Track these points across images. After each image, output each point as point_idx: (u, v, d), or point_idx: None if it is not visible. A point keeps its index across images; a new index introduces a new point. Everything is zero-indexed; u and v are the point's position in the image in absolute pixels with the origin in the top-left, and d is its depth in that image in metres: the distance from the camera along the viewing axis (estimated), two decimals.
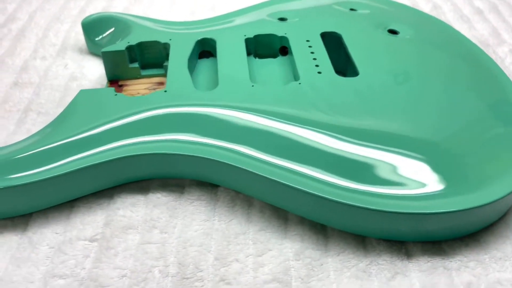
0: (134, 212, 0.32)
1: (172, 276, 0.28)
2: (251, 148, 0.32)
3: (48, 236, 0.30)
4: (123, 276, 0.28)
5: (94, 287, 0.27)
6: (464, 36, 0.44)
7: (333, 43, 0.43)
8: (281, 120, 0.33)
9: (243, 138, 0.33)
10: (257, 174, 0.30)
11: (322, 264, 0.29)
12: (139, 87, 0.42)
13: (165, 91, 0.36)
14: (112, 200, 0.33)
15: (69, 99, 0.42)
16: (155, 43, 0.43)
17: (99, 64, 0.47)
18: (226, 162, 0.31)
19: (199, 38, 0.43)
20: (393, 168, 0.30)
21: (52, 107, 0.41)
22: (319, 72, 0.38)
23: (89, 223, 0.31)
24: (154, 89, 0.42)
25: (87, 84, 0.44)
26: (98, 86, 0.44)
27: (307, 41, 0.42)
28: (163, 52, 0.43)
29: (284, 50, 0.44)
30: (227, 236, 0.30)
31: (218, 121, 0.34)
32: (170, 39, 0.43)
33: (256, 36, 0.43)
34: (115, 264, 0.29)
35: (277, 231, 0.31)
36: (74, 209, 0.32)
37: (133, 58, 0.43)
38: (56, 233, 0.31)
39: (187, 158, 0.32)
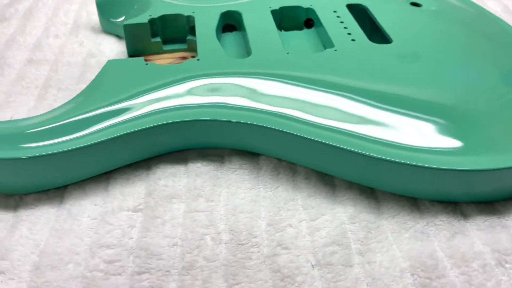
0: (175, 182, 0.30)
1: (225, 243, 0.27)
2: (292, 112, 0.31)
3: (88, 208, 0.28)
4: (174, 244, 0.26)
5: (145, 256, 0.26)
6: (485, 10, 0.44)
7: (358, 15, 0.42)
8: (320, 87, 0.32)
9: (284, 104, 0.31)
10: (304, 138, 0.29)
11: (378, 227, 0.28)
12: (161, 62, 0.41)
13: (198, 59, 0.35)
14: (150, 171, 0.31)
15: (89, 75, 0.40)
16: (178, 16, 0.41)
17: (115, 41, 0.45)
18: (271, 127, 0.30)
19: (223, 11, 0.41)
20: (436, 129, 0.30)
21: (72, 83, 0.39)
22: (353, 40, 0.37)
23: (130, 194, 0.29)
24: (177, 63, 0.40)
25: (103, 60, 0.42)
26: (114, 57, 0.42)
27: (334, 11, 0.41)
28: (186, 26, 0.42)
29: (308, 22, 0.43)
30: (276, 202, 0.29)
31: (256, 88, 0.32)
32: (193, 12, 0.41)
33: (282, 8, 0.42)
34: (164, 233, 0.27)
35: (326, 197, 0.30)
36: (111, 181, 0.30)
37: (154, 32, 0.41)
38: (96, 205, 0.29)
39: (230, 124, 0.31)
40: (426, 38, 0.37)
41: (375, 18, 0.40)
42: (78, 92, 0.38)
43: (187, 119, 0.30)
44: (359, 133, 0.29)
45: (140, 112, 0.31)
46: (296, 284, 0.25)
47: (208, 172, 0.31)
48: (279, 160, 0.32)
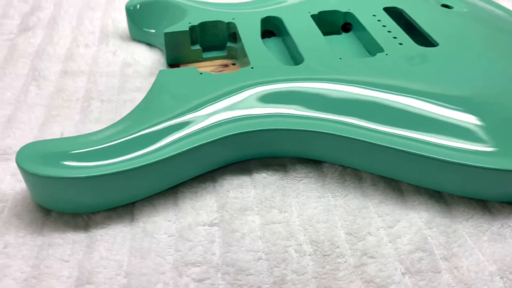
0: (244, 193, 0.30)
1: (310, 255, 0.26)
2: (356, 119, 0.31)
3: (162, 225, 0.28)
4: (259, 258, 0.26)
5: (234, 273, 0.25)
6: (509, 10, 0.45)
7: (394, 18, 0.42)
8: (377, 91, 0.32)
9: (345, 109, 0.31)
10: (371, 143, 0.29)
11: (455, 231, 0.28)
12: (203, 70, 0.40)
13: (252, 68, 0.34)
14: (217, 183, 0.30)
15: (129, 85, 0.39)
16: (218, 23, 0.40)
17: (147, 50, 0.44)
18: (338, 134, 0.30)
19: (263, 17, 0.41)
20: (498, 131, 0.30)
21: (113, 94, 0.38)
22: (400, 44, 0.37)
23: (202, 207, 0.29)
24: (220, 71, 0.40)
25: (143, 70, 0.41)
26: (155, 72, 0.41)
27: (374, 15, 0.41)
28: (226, 33, 0.41)
29: (345, 26, 0.43)
30: (349, 211, 0.29)
31: (317, 94, 0.32)
32: (233, 19, 0.40)
33: (321, 13, 0.42)
34: (246, 246, 0.26)
35: (397, 203, 0.30)
36: (179, 195, 0.30)
37: (193, 40, 0.40)
38: (169, 221, 0.28)
39: (296, 133, 0.30)
40: (468, 40, 0.38)
41: (414, 21, 0.40)
42: (121, 103, 0.37)
43: (256, 129, 0.30)
44: (424, 137, 0.30)
45: (205, 124, 0.30)
46: None
47: (274, 182, 0.31)
48: (343, 167, 0.32)
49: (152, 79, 0.40)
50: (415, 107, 0.31)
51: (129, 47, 0.44)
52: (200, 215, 0.28)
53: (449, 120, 0.30)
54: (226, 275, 0.25)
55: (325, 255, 0.26)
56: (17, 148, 0.32)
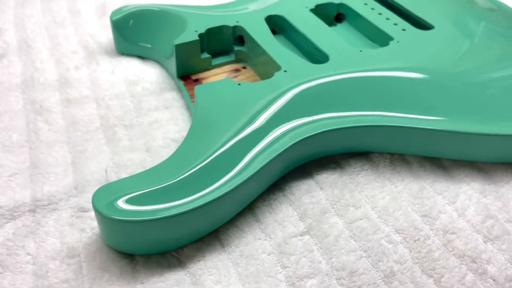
0: (315, 196, 0.30)
1: (401, 243, 0.28)
2: (400, 106, 0.33)
3: (255, 244, 0.27)
4: (361, 257, 0.27)
5: (347, 276, 0.26)
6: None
7: (383, 5, 0.44)
8: (404, 76, 0.34)
9: (387, 99, 0.33)
10: (419, 128, 0.31)
11: (503, 194, 0.31)
12: (216, 79, 0.39)
13: (285, 71, 0.34)
14: (286, 191, 0.30)
15: (145, 105, 0.37)
16: (224, 27, 0.39)
17: (143, 63, 0.41)
18: (394, 125, 0.31)
19: (265, 16, 0.41)
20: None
21: (133, 117, 0.35)
22: (403, 30, 0.39)
23: (284, 219, 0.29)
24: (235, 77, 0.39)
25: (151, 87, 0.38)
26: (165, 86, 0.39)
27: (365, 4, 0.43)
28: (231, 37, 0.40)
29: (337, 17, 0.45)
30: (413, 194, 0.31)
31: (359, 88, 0.33)
32: (238, 22, 0.40)
33: (317, 6, 0.42)
34: (345, 248, 0.27)
35: (447, 179, 0.32)
36: (255, 211, 0.29)
37: (202, 48, 0.39)
38: (259, 239, 0.28)
39: (351, 130, 0.31)
40: (458, 20, 0.41)
41: (402, 6, 0.43)
42: (147, 126, 0.35)
43: (322, 130, 0.30)
44: (458, 114, 0.32)
45: (272, 135, 0.30)
46: (485, 262, 0.27)
47: (337, 180, 0.32)
48: (390, 154, 0.34)
49: (165, 95, 0.38)
50: (440, 86, 0.34)
51: (122, 63, 0.41)
52: (287, 227, 0.28)
53: (467, 94, 0.34)
54: (342, 280, 0.26)
55: (415, 240, 0.28)
56: (61, 196, 0.29)
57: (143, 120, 0.35)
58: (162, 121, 0.35)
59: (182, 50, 0.37)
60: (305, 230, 0.28)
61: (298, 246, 0.27)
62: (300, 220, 0.29)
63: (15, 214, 0.28)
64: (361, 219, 0.29)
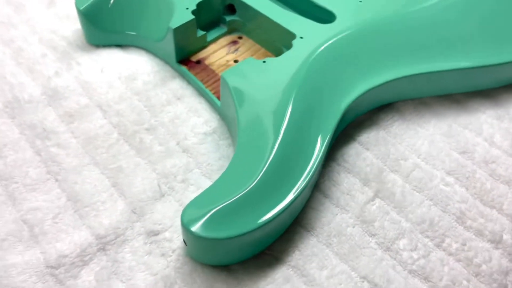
0: (366, 159, 0.31)
1: (455, 183, 0.30)
2: (423, 50, 0.34)
3: (345, 218, 0.28)
4: (430, 206, 0.29)
5: (428, 227, 0.28)
6: None
7: None
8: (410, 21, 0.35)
9: (411, 45, 0.34)
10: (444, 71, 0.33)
11: None
12: (217, 56, 0.36)
13: (301, 37, 0.33)
14: (338, 159, 0.31)
15: (155, 101, 0.34)
16: (214, 0, 0.36)
17: (126, 53, 0.37)
18: (430, 71, 0.33)
19: None
20: None
21: (151, 118, 0.32)
22: None
23: (349, 189, 0.29)
24: (236, 49, 0.37)
25: (152, 79, 0.35)
26: (162, 75, 0.35)
27: None
28: (220, 7, 0.37)
29: None
30: (445, 134, 0.33)
31: (384, 38, 0.33)
32: None
33: None
34: (415, 201, 0.29)
35: (468, 112, 0.35)
36: (315, 188, 0.29)
37: None
38: (336, 214, 0.28)
39: (393, 83, 0.32)
40: None
41: None
42: (170, 124, 0.32)
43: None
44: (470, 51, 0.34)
45: (324, 107, 0.29)
46: None
47: (377, 137, 0.32)
48: (410, 100, 0.35)
49: (170, 85, 0.35)
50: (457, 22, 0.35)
51: (104, 57, 0.37)
52: (356, 196, 0.29)
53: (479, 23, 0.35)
54: (426, 233, 0.27)
55: (466, 178, 0.30)
56: (125, 224, 0.27)
57: (162, 119, 0.33)
58: (182, 115, 0.33)
59: (180, 33, 0.34)
60: (373, 194, 0.29)
61: (374, 211, 0.28)
62: (365, 185, 0.30)
63: (86, 258, 0.25)
64: (414, 170, 0.31)
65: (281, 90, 0.29)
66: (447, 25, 0.35)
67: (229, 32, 0.38)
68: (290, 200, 0.25)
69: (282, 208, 0.24)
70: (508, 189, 0.30)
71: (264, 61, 0.31)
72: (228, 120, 0.32)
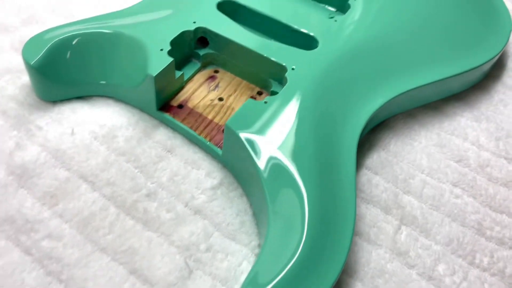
0: (379, 185, 0.31)
1: (463, 194, 0.31)
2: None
3: (381, 254, 0.27)
4: (450, 223, 0.29)
5: (457, 246, 0.28)
6: None
7: None
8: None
9: (397, 63, 0.34)
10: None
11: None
12: (199, 96, 0.33)
13: (293, 68, 0.31)
14: None
15: (145, 160, 0.30)
16: (186, 34, 0.33)
17: (92, 105, 0.32)
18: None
19: (216, 5, 0.35)
20: None
21: (146, 181, 0.29)
22: None
23: (374, 221, 0.29)
24: (216, 86, 0.34)
25: (130, 133, 0.31)
26: (142, 127, 0.31)
27: None
28: (192, 42, 0.34)
29: None
30: (437, 144, 0.34)
31: (368, 60, 0.33)
32: (195, 22, 0.33)
33: None
34: (435, 221, 0.29)
35: (448, 118, 0.36)
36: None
37: None
38: (371, 252, 0.27)
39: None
40: None
41: None
42: (169, 185, 0.29)
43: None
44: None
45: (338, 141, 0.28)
46: None
47: (381, 159, 0.32)
48: (397, 115, 0.35)
49: (156, 136, 0.31)
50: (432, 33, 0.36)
51: (68, 115, 0.31)
52: (383, 227, 0.29)
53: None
54: (458, 252, 0.28)
55: (471, 187, 0.32)
56: None
57: (159, 179, 0.29)
58: (180, 171, 0.29)
59: (160, 80, 0.30)
60: (398, 222, 0.29)
61: (405, 240, 0.28)
62: (387, 214, 0.29)
63: None
64: (424, 188, 0.31)
65: (295, 129, 0.28)
66: (426, 39, 0.36)
67: (203, 67, 0.35)
68: (346, 255, 0.23)
69: (341, 266, 0.23)
70: (508, 191, 0.32)
71: (265, 102, 0.29)
72: (234, 169, 0.30)
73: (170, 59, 0.30)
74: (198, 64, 0.35)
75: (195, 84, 0.34)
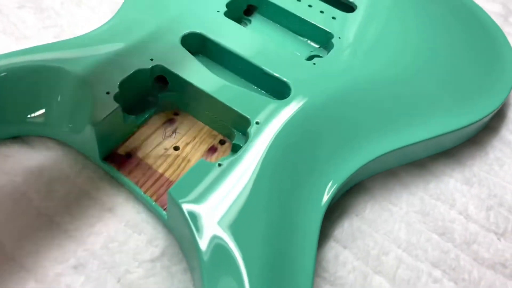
0: (347, 262, 0.27)
1: (443, 277, 0.27)
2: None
3: None
4: None
5: None
6: None
7: None
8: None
9: (379, 119, 0.30)
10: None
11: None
12: (152, 143, 0.29)
13: (257, 123, 0.27)
14: (317, 269, 0.26)
15: (79, 220, 0.26)
16: (140, 73, 0.29)
17: (22, 145, 0.28)
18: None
19: (179, 39, 0.31)
20: None
21: (77, 246, 0.25)
22: (334, 18, 0.35)
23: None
24: (174, 131, 0.30)
25: (65, 185, 0.27)
26: (78, 174, 0.28)
27: None
28: (149, 82, 0.30)
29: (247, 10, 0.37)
30: (419, 211, 0.30)
31: (347, 114, 0.29)
32: (152, 59, 0.29)
33: (228, 5, 0.34)
34: None
35: (435, 178, 0.32)
36: None
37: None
38: None
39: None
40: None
41: None
42: (95, 254, 0.25)
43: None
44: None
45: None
46: (509, 261, 0.28)
47: (352, 228, 0.28)
48: (376, 175, 0.31)
49: (98, 190, 0.27)
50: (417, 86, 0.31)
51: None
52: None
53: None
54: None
55: (453, 269, 0.27)
56: None
57: (92, 246, 0.25)
58: (118, 236, 0.25)
59: (103, 127, 0.26)
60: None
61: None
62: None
63: None
64: (398, 268, 0.27)
65: (249, 204, 0.24)
66: (417, 88, 0.31)
67: (162, 108, 0.31)
68: None
69: None
70: (495, 275, 0.28)
71: (219, 164, 0.25)
72: (179, 236, 0.26)
73: (115, 105, 0.26)
74: (156, 105, 0.31)
75: (150, 128, 0.30)
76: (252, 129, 0.26)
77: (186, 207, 0.23)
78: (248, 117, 0.27)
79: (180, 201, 0.23)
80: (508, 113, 0.37)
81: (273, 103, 0.28)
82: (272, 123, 0.27)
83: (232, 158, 0.25)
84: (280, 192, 0.24)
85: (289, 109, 0.28)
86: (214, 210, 0.23)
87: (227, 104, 0.27)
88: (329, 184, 0.26)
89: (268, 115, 0.27)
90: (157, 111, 0.31)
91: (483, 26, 0.37)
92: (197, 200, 0.23)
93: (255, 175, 0.24)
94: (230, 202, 0.23)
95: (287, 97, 0.29)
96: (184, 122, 0.30)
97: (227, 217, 0.23)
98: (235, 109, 0.27)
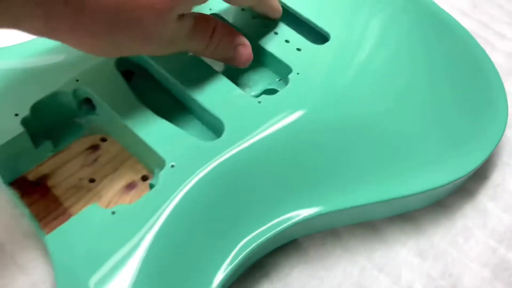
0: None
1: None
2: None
3: None
4: None
5: None
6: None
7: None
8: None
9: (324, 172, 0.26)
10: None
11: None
12: (68, 171, 0.26)
13: (172, 166, 0.24)
14: None
15: None
16: (60, 95, 0.26)
17: None
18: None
19: (115, 61, 0.28)
20: None
21: None
22: (299, 49, 0.31)
23: None
24: (95, 160, 0.27)
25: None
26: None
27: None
28: (74, 104, 0.27)
29: None
30: (356, 283, 0.26)
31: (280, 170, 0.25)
32: (78, 80, 0.27)
33: None
34: None
35: (385, 244, 0.28)
36: None
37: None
38: None
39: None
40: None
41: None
42: None
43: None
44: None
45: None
46: None
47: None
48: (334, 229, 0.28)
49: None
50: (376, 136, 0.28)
51: None
52: None
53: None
54: None
55: None
56: None
57: None
58: (4, 275, 0.23)
59: (5, 152, 0.24)
60: None
61: None
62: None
63: None
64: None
65: (133, 266, 0.21)
66: (377, 136, 0.27)
67: (90, 132, 0.28)
68: None
69: None
70: None
71: (113, 212, 0.22)
72: None
73: (20, 130, 0.24)
74: (83, 129, 0.28)
75: (69, 154, 0.27)
76: (164, 172, 0.23)
77: (58, 258, 0.20)
78: (163, 158, 0.24)
79: (54, 254, 0.20)
80: (488, 173, 0.32)
81: (198, 145, 0.25)
82: (187, 169, 0.24)
83: (129, 207, 0.22)
84: (173, 262, 0.21)
85: (214, 154, 0.24)
86: (95, 271, 0.20)
87: (144, 139, 0.25)
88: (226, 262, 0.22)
89: (187, 158, 0.24)
90: (84, 134, 0.28)
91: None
92: (73, 253, 0.20)
93: (150, 233, 0.21)
94: (112, 261, 0.20)
95: (218, 138, 0.25)
96: (109, 150, 0.28)
97: (103, 278, 0.20)
98: (151, 146, 0.24)
